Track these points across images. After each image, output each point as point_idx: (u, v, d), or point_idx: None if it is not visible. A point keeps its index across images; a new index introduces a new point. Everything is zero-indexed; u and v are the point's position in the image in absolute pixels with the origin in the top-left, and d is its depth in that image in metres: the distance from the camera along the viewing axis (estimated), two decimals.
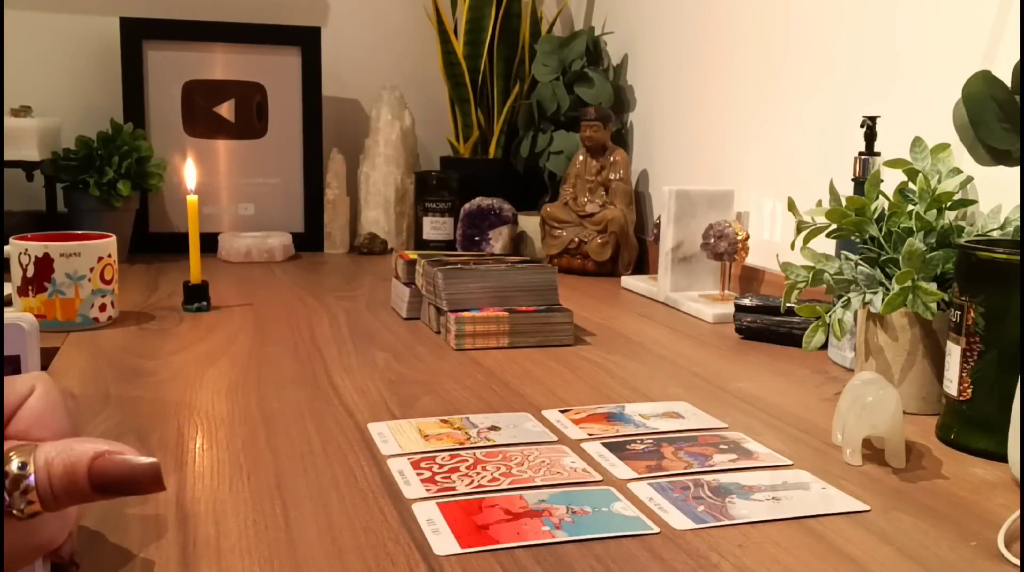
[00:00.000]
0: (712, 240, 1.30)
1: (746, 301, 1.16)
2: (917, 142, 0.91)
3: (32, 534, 0.41)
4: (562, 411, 0.84)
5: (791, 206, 0.95)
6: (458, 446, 0.74)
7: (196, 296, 1.24)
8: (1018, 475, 0.67)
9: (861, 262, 0.89)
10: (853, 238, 0.91)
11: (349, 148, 1.93)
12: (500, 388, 0.92)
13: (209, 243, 1.67)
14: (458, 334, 1.07)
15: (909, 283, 0.82)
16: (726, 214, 1.38)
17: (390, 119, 1.86)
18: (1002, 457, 0.71)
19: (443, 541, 0.57)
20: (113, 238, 1.15)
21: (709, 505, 0.63)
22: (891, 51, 1.11)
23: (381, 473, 0.68)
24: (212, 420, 0.80)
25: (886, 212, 0.90)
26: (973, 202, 0.90)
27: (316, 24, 1.87)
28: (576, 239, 1.62)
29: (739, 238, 1.28)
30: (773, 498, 0.65)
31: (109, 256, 1.13)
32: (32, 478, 0.39)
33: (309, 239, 1.84)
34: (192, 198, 1.24)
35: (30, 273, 1.09)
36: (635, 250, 1.62)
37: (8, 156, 1.55)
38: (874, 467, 0.72)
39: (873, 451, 0.74)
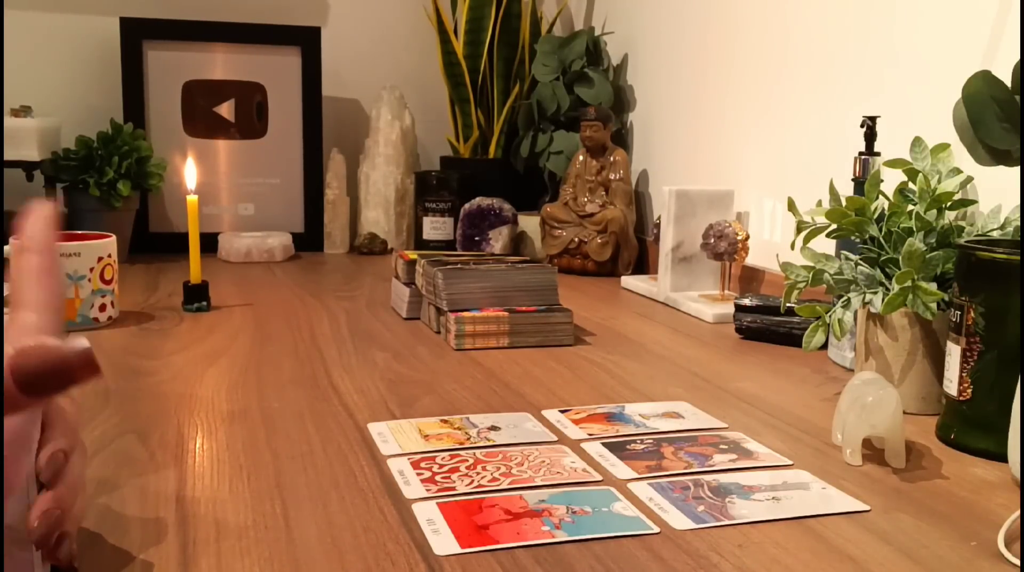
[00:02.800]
0: (712, 240, 1.30)
1: (746, 301, 1.16)
2: (917, 142, 0.92)
3: None
4: (562, 411, 0.84)
5: (791, 206, 0.95)
6: (458, 446, 0.74)
7: (196, 296, 1.24)
8: (1018, 475, 0.67)
9: (861, 262, 0.89)
10: (853, 238, 0.91)
11: (349, 148, 1.93)
12: (500, 388, 0.92)
13: (209, 243, 1.67)
14: (458, 334, 1.07)
15: (909, 283, 0.82)
16: (726, 214, 1.38)
17: (390, 119, 1.86)
18: (1002, 457, 0.71)
19: (443, 541, 0.57)
20: (113, 238, 1.15)
21: (709, 505, 0.63)
22: (891, 51, 1.11)
23: (381, 473, 0.68)
24: (212, 420, 0.80)
25: (886, 212, 0.90)
26: (973, 202, 0.90)
27: (316, 24, 1.87)
28: (576, 239, 1.62)
29: (739, 238, 1.28)
30: (773, 498, 0.65)
31: (109, 256, 1.13)
32: None
33: (309, 239, 1.84)
34: (192, 198, 1.24)
35: None
36: (635, 250, 1.62)
37: (8, 156, 1.55)
38: (874, 467, 0.72)
39: (873, 451, 0.74)
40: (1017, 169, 0.84)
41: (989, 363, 0.75)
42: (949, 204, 0.88)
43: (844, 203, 0.90)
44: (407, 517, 0.60)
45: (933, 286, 0.82)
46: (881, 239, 0.89)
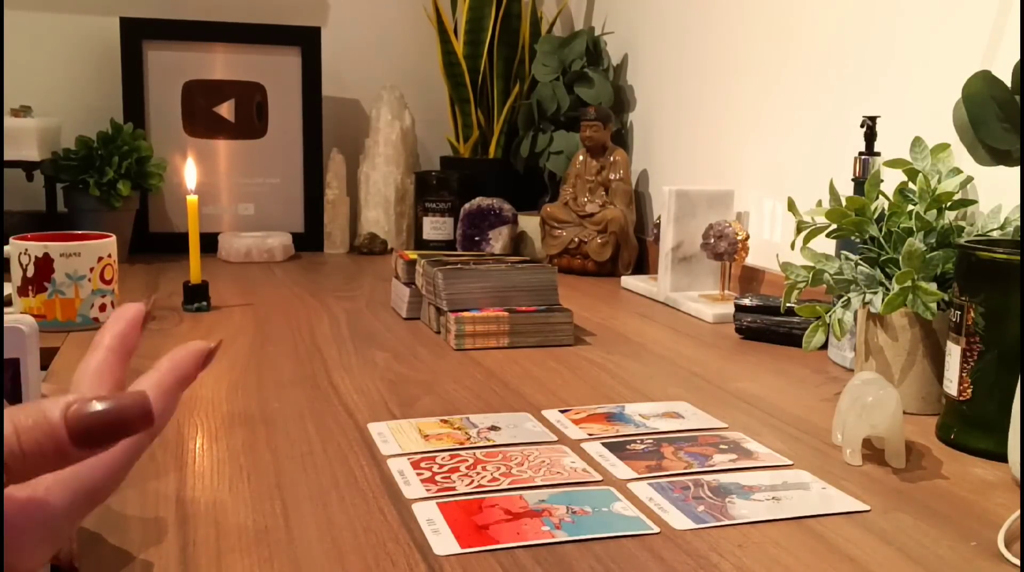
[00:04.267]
0: (712, 240, 1.30)
1: (746, 301, 1.16)
2: (917, 142, 0.92)
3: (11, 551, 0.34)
4: (562, 411, 0.84)
5: (791, 206, 0.95)
6: (458, 446, 0.74)
7: (196, 296, 1.24)
8: (1018, 475, 0.67)
9: (861, 262, 0.89)
10: (853, 238, 0.91)
11: (349, 148, 1.93)
12: (500, 388, 0.92)
13: (209, 243, 1.67)
14: (458, 334, 1.07)
15: (909, 283, 0.82)
16: (726, 214, 1.38)
17: (390, 119, 1.86)
18: (1002, 457, 0.71)
19: (443, 541, 0.57)
20: (113, 238, 1.15)
21: (709, 505, 0.63)
22: (891, 51, 1.11)
23: (381, 473, 0.68)
24: (212, 420, 0.80)
25: (886, 212, 0.90)
26: (973, 202, 0.90)
27: (316, 24, 1.87)
28: (576, 239, 1.62)
29: (739, 238, 1.28)
30: (773, 498, 0.65)
31: (109, 256, 1.13)
32: None
33: (309, 239, 1.84)
34: (192, 198, 1.24)
35: (30, 273, 1.09)
36: (635, 250, 1.62)
37: (8, 156, 1.55)
38: (874, 467, 0.72)
39: (873, 451, 0.74)
40: (1017, 169, 0.84)
41: (989, 363, 0.75)
42: (949, 204, 0.88)
43: (844, 203, 0.90)
44: (407, 517, 0.60)
45: (933, 286, 0.82)
46: (881, 239, 0.89)
